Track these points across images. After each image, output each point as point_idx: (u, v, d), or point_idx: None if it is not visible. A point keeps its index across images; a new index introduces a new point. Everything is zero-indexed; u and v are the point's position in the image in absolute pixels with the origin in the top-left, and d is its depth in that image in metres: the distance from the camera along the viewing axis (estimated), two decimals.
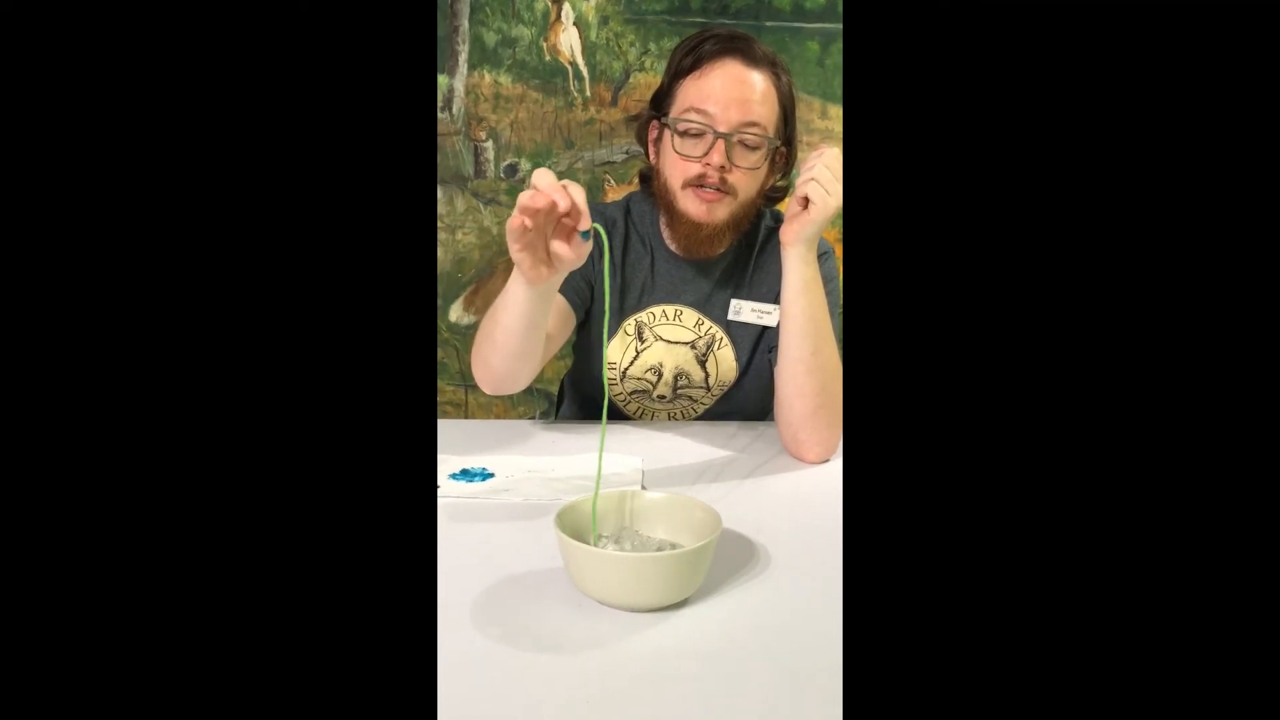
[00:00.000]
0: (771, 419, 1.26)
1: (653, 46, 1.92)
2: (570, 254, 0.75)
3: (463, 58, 1.93)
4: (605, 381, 0.91)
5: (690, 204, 1.05)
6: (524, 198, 0.73)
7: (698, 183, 1.04)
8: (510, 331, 0.89)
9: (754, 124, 1.02)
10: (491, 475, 0.92)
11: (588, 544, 0.69)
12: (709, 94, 1.02)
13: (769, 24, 1.89)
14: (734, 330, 1.15)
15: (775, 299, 1.12)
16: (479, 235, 2.02)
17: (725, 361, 1.15)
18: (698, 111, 1.02)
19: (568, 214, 0.73)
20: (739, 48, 1.02)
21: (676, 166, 1.05)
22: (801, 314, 1.00)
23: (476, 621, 0.62)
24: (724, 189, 1.04)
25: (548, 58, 1.91)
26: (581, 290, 1.12)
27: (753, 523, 0.80)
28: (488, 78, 1.94)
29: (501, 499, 0.86)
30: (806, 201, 0.97)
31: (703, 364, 1.15)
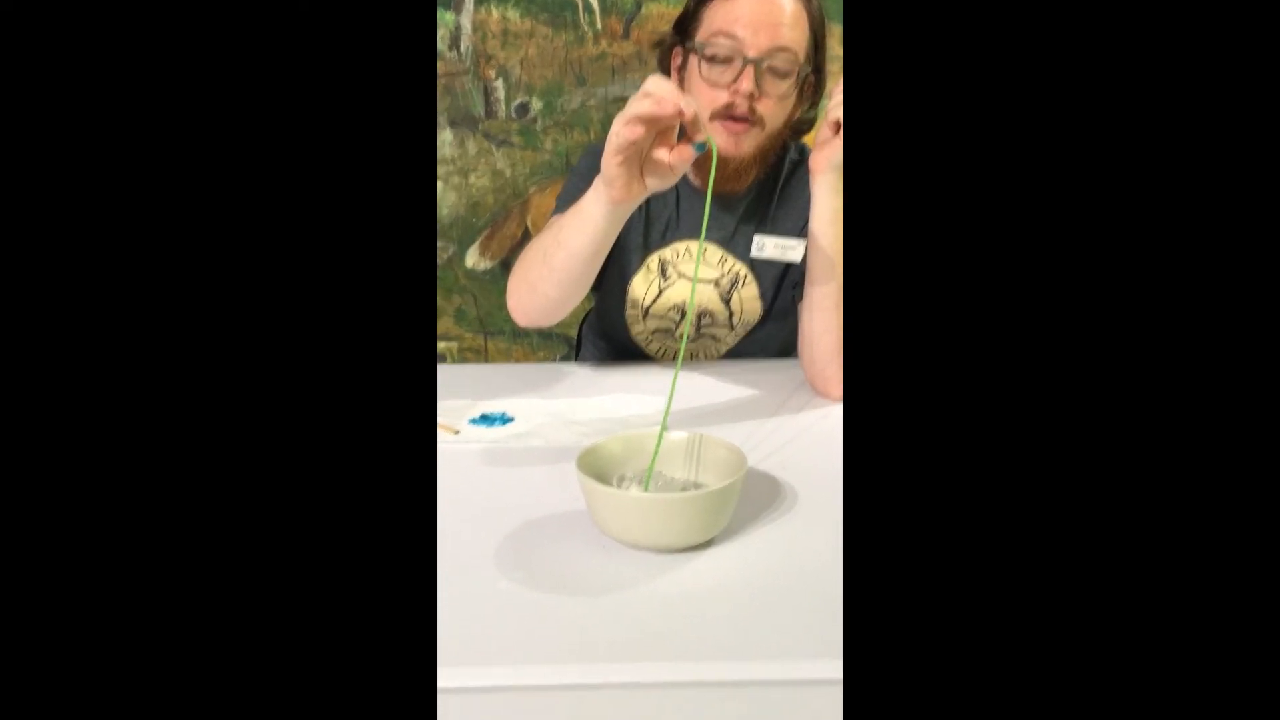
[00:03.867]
0: (794, 356, 1.24)
1: None
2: (682, 164, 0.71)
3: None
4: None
5: (719, 133, 1.01)
6: (641, 105, 0.68)
7: (725, 114, 0.99)
8: (576, 256, 0.84)
9: (785, 49, 0.97)
10: (511, 420, 0.92)
11: (610, 486, 0.68)
12: (738, 17, 0.97)
13: None
14: (758, 268, 1.12)
15: (799, 233, 1.09)
16: (492, 178, 1.98)
17: (750, 300, 1.12)
18: (726, 35, 0.97)
19: (688, 121, 0.69)
20: None
21: (704, 95, 1.00)
22: (830, 246, 0.96)
23: (501, 565, 0.62)
24: (752, 119, 1.00)
25: None
26: None
27: (778, 460, 0.79)
28: (495, 13, 1.88)
29: (523, 443, 0.85)
30: (839, 126, 0.91)
31: (726, 302, 1.12)
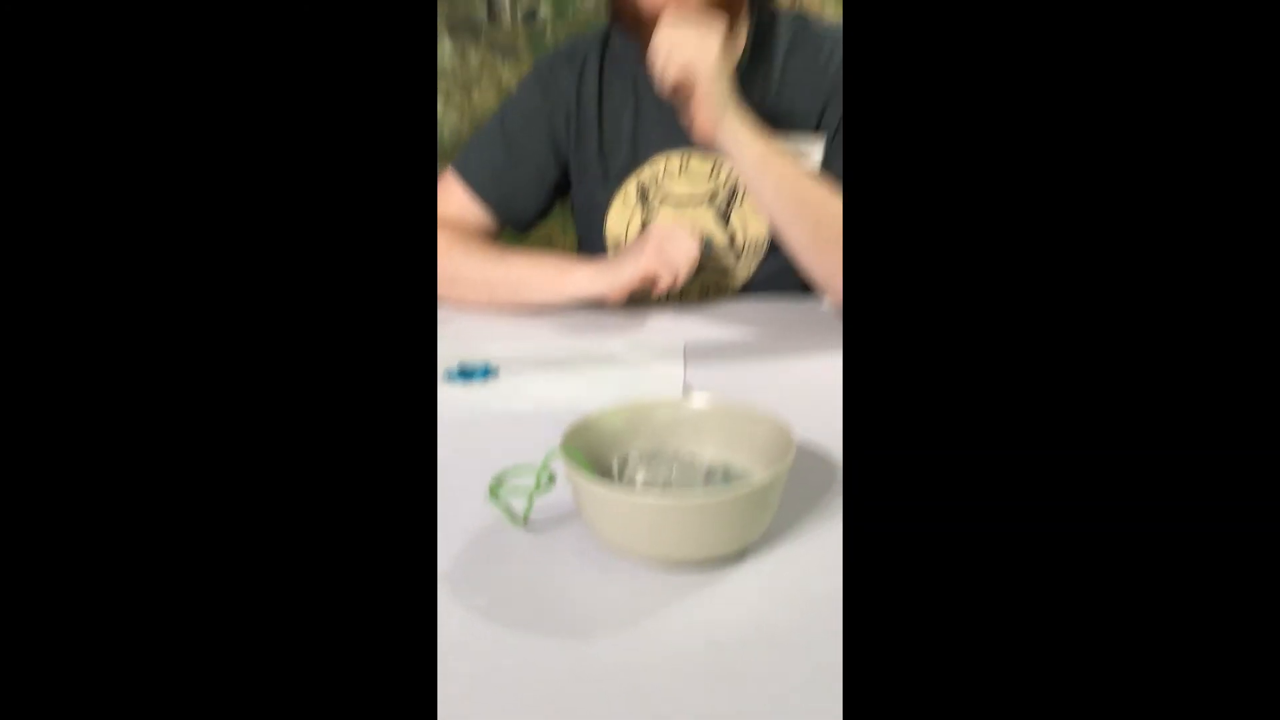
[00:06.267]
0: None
1: None
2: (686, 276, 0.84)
3: None
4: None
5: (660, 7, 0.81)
6: (663, 270, 0.83)
7: None
8: (533, 307, 0.88)
9: None
10: (494, 371, 0.74)
11: (610, 473, 0.51)
12: None
13: None
14: None
15: (814, 125, 0.90)
16: (497, 93, 1.79)
17: (753, 215, 0.93)
18: None
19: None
20: None
21: None
22: (775, 197, 0.80)
23: (455, 586, 0.45)
24: None
25: None
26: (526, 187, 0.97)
27: (833, 432, 0.60)
28: None
29: (505, 405, 0.69)
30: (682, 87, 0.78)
31: (726, 220, 0.93)
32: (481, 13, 1.74)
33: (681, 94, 0.80)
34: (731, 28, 0.86)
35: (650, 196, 0.95)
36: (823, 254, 0.81)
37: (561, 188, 0.99)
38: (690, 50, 0.78)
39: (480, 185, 0.96)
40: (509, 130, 0.97)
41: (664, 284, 0.84)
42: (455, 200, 0.96)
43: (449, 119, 1.82)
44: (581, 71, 0.95)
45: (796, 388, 0.72)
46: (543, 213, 1.00)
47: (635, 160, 0.94)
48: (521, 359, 0.78)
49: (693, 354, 0.79)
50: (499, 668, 0.40)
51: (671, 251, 0.84)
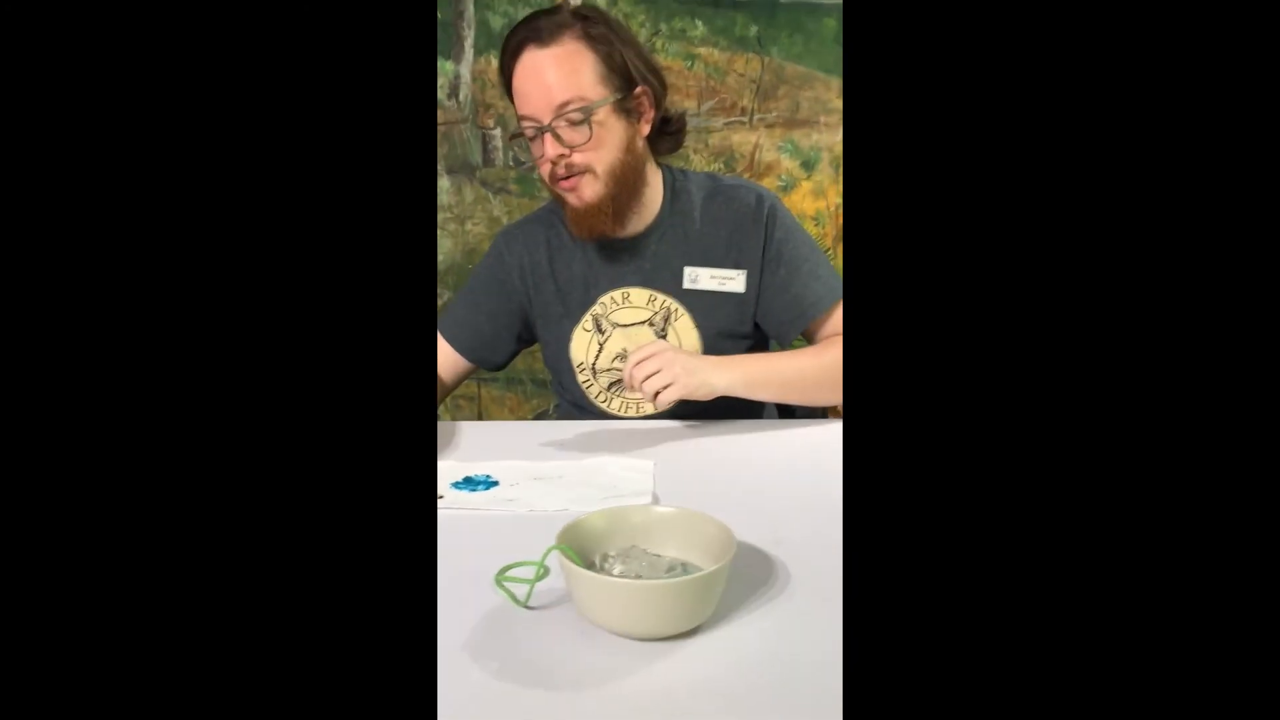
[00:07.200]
0: (790, 414, 1.21)
1: (663, 27, 1.85)
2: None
3: (468, 43, 1.88)
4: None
5: (565, 195, 1.04)
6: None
7: (555, 178, 1.02)
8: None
9: (567, 102, 0.98)
10: (496, 483, 0.88)
11: (594, 565, 0.64)
12: (523, 95, 1.01)
13: (783, 0, 1.82)
14: (691, 299, 1.11)
15: (735, 263, 1.10)
16: (489, 225, 1.97)
17: (686, 332, 1.12)
18: (523, 118, 1.02)
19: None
20: (532, 33, 0.99)
21: (540, 168, 1.05)
22: (775, 396, 1.09)
23: (474, 652, 0.58)
24: (576, 171, 1.01)
25: None
26: (485, 335, 1.17)
27: (770, 534, 0.75)
28: (494, 63, 1.88)
29: (506, 509, 0.82)
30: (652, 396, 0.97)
31: (663, 337, 1.12)
32: (477, 156, 1.94)
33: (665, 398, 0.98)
34: (636, 193, 1.07)
35: (603, 325, 1.13)
36: (820, 399, 1.08)
37: (524, 335, 1.19)
38: (656, 382, 0.96)
39: (456, 340, 1.17)
40: (476, 296, 1.18)
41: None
42: (441, 353, 1.17)
43: (444, 245, 1.99)
44: (533, 237, 1.16)
45: (747, 494, 0.86)
46: (512, 354, 1.20)
47: (589, 298, 1.13)
48: (517, 472, 0.91)
49: (659, 468, 0.93)
50: (505, 717, 0.52)
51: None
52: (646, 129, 1.06)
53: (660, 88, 1.06)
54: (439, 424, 1.09)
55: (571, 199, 1.04)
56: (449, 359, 1.17)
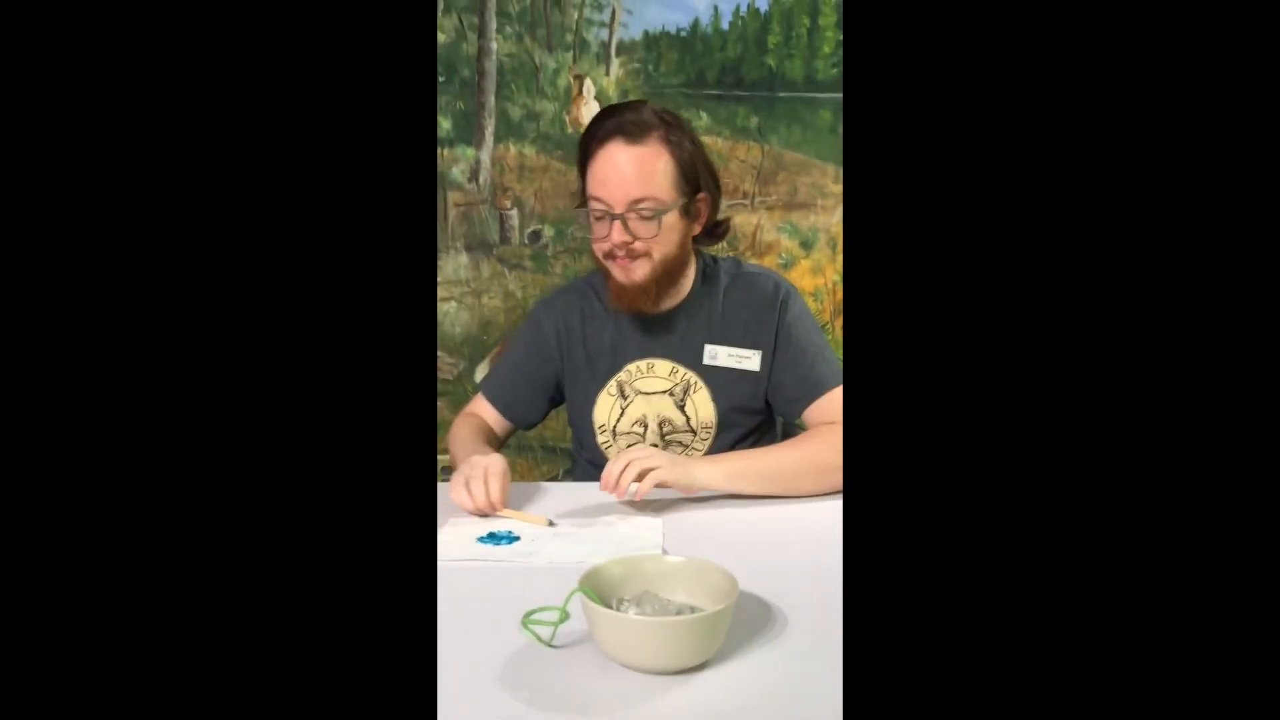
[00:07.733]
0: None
1: None
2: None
3: (489, 131, 2.02)
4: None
5: (614, 269, 1.15)
6: (461, 495, 1.02)
7: (611, 255, 1.13)
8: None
9: (643, 199, 1.09)
10: (518, 538, 0.96)
11: (611, 609, 0.72)
12: (600, 180, 1.11)
13: (782, 95, 1.96)
14: (710, 375, 1.21)
15: (752, 344, 1.20)
16: (504, 299, 2.08)
17: (703, 404, 1.22)
18: (594, 199, 1.12)
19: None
20: (620, 128, 1.09)
21: (596, 243, 1.15)
22: (757, 490, 1.09)
23: (506, 684, 0.65)
24: (634, 255, 1.12)
25: (570, 130, 2.00)
26: (525, 396, 1.28)
27: (770, 586, 0.82)
28: (513, 149, 2.02)
29: (528, 562, 0.89)
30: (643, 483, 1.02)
31: (681, 408, 1.22)
32: (494, 235, 2.06)
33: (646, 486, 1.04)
34: (676, 278, 1.19)
35: (626, 391, 1.23)
36: (802, 488, 1.10)
37: (556, 398, 1.30)
38: (641, 465, 1.02)
39: (496, 399, 1.28)
40: (516, 360, 1.30)
41: (468, 506, 1.03)
42: (484, 409, 1.29)
43: (461, 318, 2.10)
44: (569, 306, 1.27)
45: (749, 549, 0.93)
46: (544, 414, 1.31)
47: (615, 365, 1.24)
48: (539, 529, 0.99)
49: (668, 522, 1.01)
50: None
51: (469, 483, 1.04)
52: (699, 229, 1.19)
53: (718, 194, 1.18)
54: None
55: (620, 275, 1.14)
56: (494, 419, 1.28)
